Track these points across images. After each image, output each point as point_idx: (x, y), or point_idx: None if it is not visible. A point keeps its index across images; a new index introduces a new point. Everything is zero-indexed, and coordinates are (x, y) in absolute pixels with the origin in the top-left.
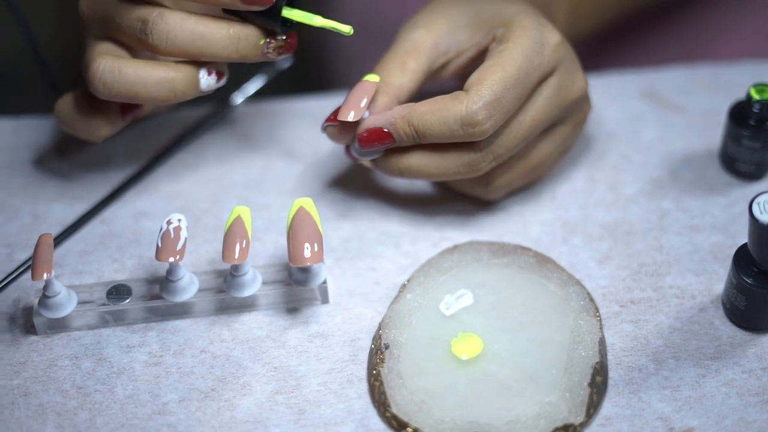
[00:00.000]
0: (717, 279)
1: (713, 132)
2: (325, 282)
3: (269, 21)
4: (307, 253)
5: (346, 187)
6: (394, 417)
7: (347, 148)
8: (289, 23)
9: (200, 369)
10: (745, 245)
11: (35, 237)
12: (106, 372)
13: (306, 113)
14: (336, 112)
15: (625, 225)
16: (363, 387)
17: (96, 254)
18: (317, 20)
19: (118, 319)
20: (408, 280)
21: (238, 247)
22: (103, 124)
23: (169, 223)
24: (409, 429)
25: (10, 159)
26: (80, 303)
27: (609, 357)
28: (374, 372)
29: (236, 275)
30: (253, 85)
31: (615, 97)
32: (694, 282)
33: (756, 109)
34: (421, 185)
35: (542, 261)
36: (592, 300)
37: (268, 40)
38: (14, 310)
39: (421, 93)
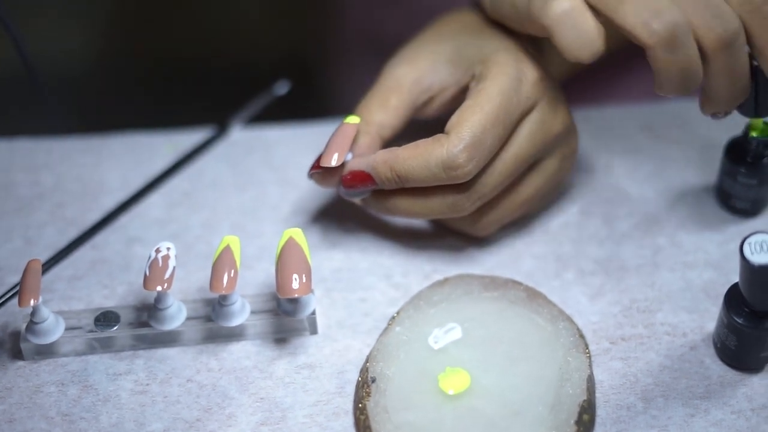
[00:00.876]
0: (709, 317)
1: (711, 167)
2: (314, 313)
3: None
4: (295, 285)
5: (339, 217)
6: None
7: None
8: None
9: (186, 398)
10: (736, 284)
11: (26, 261)
12: (92, 399)
13: (303, 140)
14: (319, 158)
15: (618, 260)
16: (349, 420)
17: (86, 280)
18: None
19: (105, 346)
20: (397, 313)
21: (226, 276)
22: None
23: (157, 251)
24: None
25: (4, 181)
26: (68, 329)
27: (597, 394)
28: (360, 405)
29: (224, 305)
30: (249, 111)
31: (612, 129)
32: (686, 319)
33: (753, 145)
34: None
35: (533, 295)
36: (582, 336)
37: None
38: (2, 335)
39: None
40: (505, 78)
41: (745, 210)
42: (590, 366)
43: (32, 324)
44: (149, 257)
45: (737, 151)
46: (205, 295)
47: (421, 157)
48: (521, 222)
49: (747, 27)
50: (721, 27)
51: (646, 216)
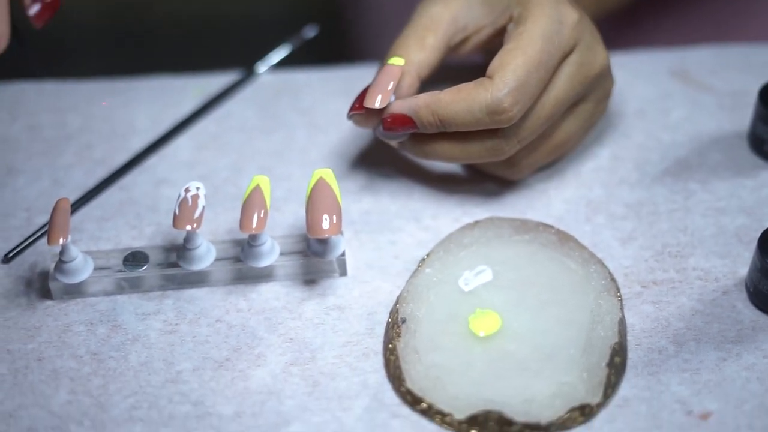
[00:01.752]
0: (741, 262)
1: (743, 113)
2: (343, 254)
3: None
4: (325, 225)
5: (368, 160)
6: (409, 392)
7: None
8: None
9: (215, 338)
10: None
11: (54, 201)
12: (121, 339)
13: (330, 84)
14: (361, 98)
15: (649, 205)
16: (378, 361)
17: (114, 221)
18: None
19: (134, 286)
20: (427, 255)
21: (255, 216)
22: None
23: (187, 190)
24: (423, 404)
25: (32, 122)
26: (96, 269)
27: (629, 338)
28: (390, 346)
29: (254, 245)
30: (277, 54)
31: (644, 75)
32: (718, 264)
33: None
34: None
35: (564, 239)
36: (613, 279)
37: None
38: (31, 275)
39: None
40: (546, 20)
41: None
42: (622, 309)
43: (61, 263)
44: (179, 196)
45: None
46: (235, 236)
47: (465, 101)
48: (553, 166)
49: None
50: None
51: (677, 161)
